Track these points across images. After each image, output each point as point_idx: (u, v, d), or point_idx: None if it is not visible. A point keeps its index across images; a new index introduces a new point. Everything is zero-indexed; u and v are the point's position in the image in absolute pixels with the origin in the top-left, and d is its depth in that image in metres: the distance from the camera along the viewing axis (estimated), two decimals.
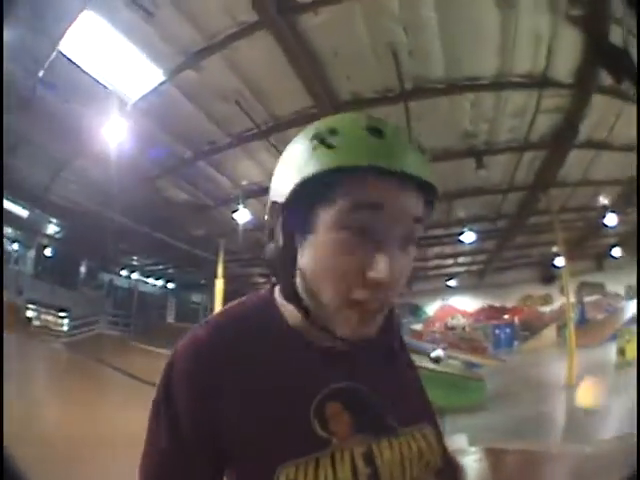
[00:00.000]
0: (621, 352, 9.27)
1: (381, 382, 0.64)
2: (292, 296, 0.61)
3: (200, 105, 6.76)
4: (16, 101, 6.43)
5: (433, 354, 10.48)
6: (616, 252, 15.00)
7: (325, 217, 0.55)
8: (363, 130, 0.54)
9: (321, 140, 0.55)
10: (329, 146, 0.54)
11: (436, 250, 14.09)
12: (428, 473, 0.64)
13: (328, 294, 0.56)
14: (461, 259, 16.10)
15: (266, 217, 0.63)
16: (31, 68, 5.97)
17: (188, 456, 0.58)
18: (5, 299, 11.46)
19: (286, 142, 0.63)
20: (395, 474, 0.59)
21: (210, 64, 5.88)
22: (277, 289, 0.67)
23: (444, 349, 10.91)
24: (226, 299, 12.02)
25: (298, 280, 0.61)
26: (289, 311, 0.64)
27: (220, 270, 11.65)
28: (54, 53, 5.70)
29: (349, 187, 0.54)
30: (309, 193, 0.55)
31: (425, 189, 0.57)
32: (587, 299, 16.36)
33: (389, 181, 0.53)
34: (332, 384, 0.61)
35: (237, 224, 9.72)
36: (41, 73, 6.08)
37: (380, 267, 0.53)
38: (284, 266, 0.61)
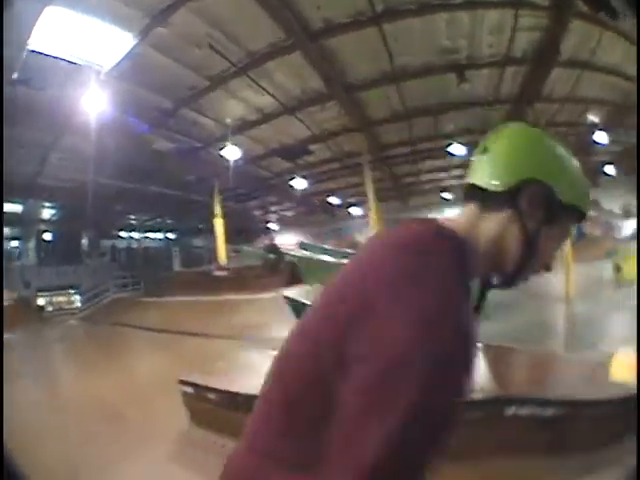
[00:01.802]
0: (617, 269, 9.40)
1: None
2: None
3: (175, 56, 6.76)
4: None
5: None
6: (610, 170, 14.53)
7: None
8: None
9: None
10: None
11: (427, 164, 14.09)
12: None
13: None
14: (455, 172, 15.54)
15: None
16: (7, 77, 6.02)
17: None
18: (14, 295, 11.74)
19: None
20: None
21: (177, 17, 5.89)
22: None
23: None
24: (228, 237, 12.46)
25: None
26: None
27: (218, 210, 11.96)
28: (24, 53, 5.75)
29: None
30: None
31: None
32: None
33: None
34: None
35: (227, 162, 10.02)
36: (15, 75, 6.13)
37: None
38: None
